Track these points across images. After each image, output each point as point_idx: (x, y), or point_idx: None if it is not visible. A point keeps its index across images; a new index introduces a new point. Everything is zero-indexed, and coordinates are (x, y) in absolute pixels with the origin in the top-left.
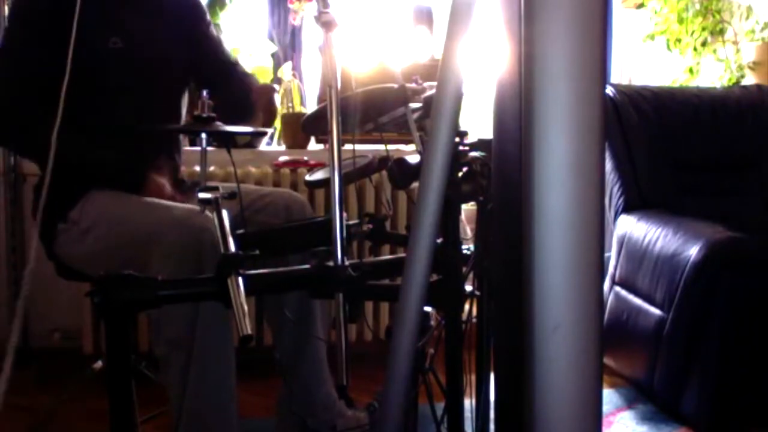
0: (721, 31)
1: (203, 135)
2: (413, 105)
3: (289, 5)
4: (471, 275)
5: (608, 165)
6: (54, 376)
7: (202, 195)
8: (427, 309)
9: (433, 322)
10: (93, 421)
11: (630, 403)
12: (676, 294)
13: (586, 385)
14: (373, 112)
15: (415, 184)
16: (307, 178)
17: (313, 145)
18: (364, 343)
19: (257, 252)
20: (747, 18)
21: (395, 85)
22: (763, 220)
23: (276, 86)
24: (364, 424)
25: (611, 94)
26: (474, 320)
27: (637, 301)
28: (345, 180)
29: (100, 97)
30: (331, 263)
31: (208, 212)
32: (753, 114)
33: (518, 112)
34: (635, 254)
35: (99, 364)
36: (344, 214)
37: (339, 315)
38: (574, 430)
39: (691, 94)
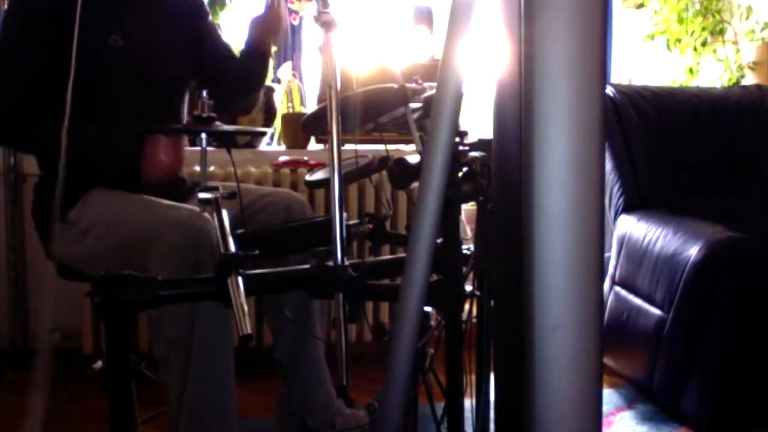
0: (721, 31)
1: (203, 135)
2: (413, 105)
3: (289, 5)
4: (471, 275)
5: (608, 165)
6: (54, 376)
7: (202, 195)
8: (427, 309)
9: (433, 322)
10: (93, 421)
11: (630, 403)
12: (676, 294)
13: (586, 385)
14: (373, 112)
15: (415, 184)
16: (307, 178)
17: (313, 145)
18: (364, 343)
19: (257, 252)
20: (747, 18)
21: (395, 85)
22: (763, 220)
23: (275, 86)
24: (363, 423)
25: (611, 94)
26: (474, 320)
27: (637, 301)
28: (345, 180)
29: (101, 95)
30: (331, 263)
31: (207, 212)
32: (753, 114)
33: (518, 112)
34: (635, 254)
35: (99, 364)
36: (344, 214)
37: (339, 315)
38: (574, 430)
39: (691, 94)
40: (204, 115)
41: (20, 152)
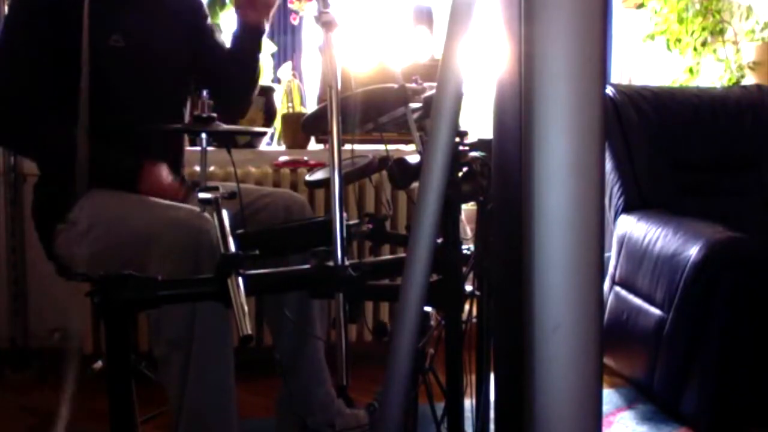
0: (721, 31)
1: (203, 135)
2: (413, 105)
3: (289, 5)
4: (471, 275)
5: (608, 165)
6: (54, 376)
7: (202, 195)
8: (427, 309)
9: (433, 322)
10: (93, 421)
11: (630, 403)
12: (676, 294)
13: (586, 385)
14: (373, 112)
15: (415, 184)
16: (307, 178)
17: (313, 145)
18: (364, 343)
19: (257, 252)
20: (747, 18)
21: (395, 85)
22: (763, 220)
23: (275, 86)
24: (363, 423)
25: (611, 94)
26: (474, 320)
27: (637, 301)
28: (345, 180)
29: (101, 95)
30: (331, 263)
31: (207, 212)
32: (753, 114)
33: (518, 112)
34: (635, 254)
35: (99, 364)
36: (344, 214)
37: (339, 315)
38: (574, 430)
39: (691, 94)
40: (204, 115)
41: (19, 155)
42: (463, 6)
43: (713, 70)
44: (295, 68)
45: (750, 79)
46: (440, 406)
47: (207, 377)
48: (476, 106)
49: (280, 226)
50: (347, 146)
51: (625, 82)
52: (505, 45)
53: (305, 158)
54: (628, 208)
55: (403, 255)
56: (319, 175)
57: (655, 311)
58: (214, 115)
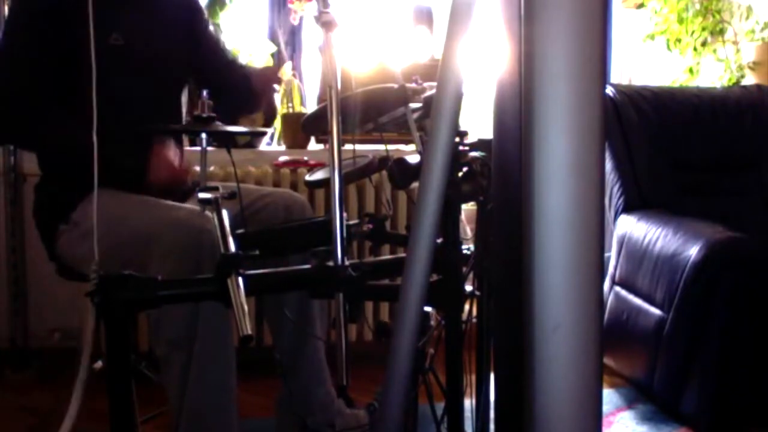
0: (721, 31)
1: (203, 135)
2: (413, 105)
3: (289, 5)
4: (471, 275)
5: (608, 165)
6: (54, 376)
7: (202, 195)
8: (427, 309)
9: (433, 322)
10: (93, 421)
11: (630, 403)
12: (676, 294)
13: (586, 385)
14: (373, 112)
15: (415, 184)
16: (307, 178)
17: (313, 145)
18: (364, 343)
19: (257, 252)
20: (747, 18)
21: (395, 85)
22: (763, 220)
23: (276, 87)
24: (363, 423)
25: (611, 94)
26: (474, 320)
27: (637, 301)
28: (345, 180)
29: (101, 94)
30: (331, 263)
31: (208, 212)
32: (753, 114)
33: (518, 112)
34: (635, 254)
35: (99, 364)
36: (344, 214)
37: (339, 315)
38: (574, 430)
39: (691, 94)
40: (204, 115)
41: (21, 149)
42: (463, 6)
43: (713, 70)
44: (295, 68)
45: (750, 79)
46: (440, 406)
47: (208, 377)
48: (476, 106)
49: (280, 226)
50: (347, 146)
51: (625, 82)
52: (505, 45)
53: (305, 158)
54: (628, 208)
55: (403, 255)
56: (319, 175)
57: (655, 311)
58: (214, 114)
